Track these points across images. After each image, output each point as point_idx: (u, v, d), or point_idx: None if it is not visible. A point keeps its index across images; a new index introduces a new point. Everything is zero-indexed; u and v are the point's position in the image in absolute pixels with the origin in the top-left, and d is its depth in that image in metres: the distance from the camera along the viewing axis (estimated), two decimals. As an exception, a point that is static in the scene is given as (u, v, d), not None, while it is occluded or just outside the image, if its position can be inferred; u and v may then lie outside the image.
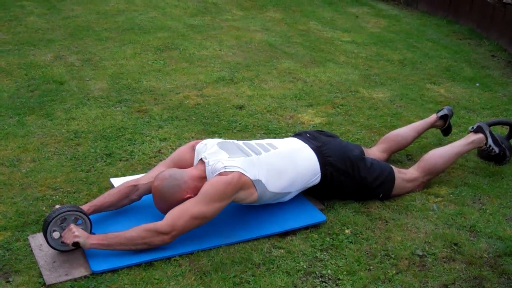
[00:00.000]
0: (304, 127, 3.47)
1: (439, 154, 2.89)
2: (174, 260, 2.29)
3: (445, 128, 3.26)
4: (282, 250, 2.38)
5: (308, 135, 2.78)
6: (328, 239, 2.46)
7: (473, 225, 2.58)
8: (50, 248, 2.30)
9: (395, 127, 3.40)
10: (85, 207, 2.40)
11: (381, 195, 2.73)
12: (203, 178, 2.42)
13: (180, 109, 3.64)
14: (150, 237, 2.26)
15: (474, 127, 3.03)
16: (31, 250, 2.32)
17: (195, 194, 2.36)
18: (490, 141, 3.00)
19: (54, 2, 6.11)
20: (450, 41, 5.44)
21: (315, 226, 2.53)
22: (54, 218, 2.25)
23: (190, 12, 6.00)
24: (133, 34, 5.14)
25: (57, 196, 2.69)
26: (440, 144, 3.24)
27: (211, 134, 3.32)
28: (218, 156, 2.45)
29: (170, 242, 2.30)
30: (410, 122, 3.58)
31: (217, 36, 5.19)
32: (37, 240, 2.37)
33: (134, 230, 2.27)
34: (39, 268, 2.22)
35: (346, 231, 2.52)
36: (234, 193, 2.36)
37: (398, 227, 2.55)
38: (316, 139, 2.74)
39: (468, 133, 3.07)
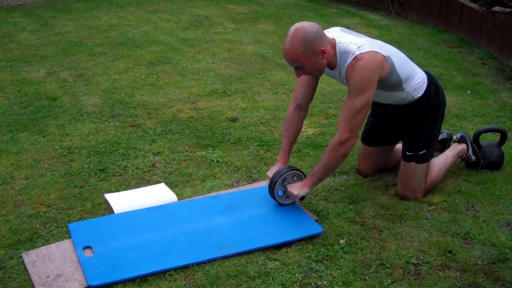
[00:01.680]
0: (298, 139, 3.47)
1: (438, 168, 2.94)
2: (169, 274, 2.28)
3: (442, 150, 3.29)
4: (277, 262, 2.38)
5: None
6: (323, 250, 2.46)
7: (467, 232, 2.59)
8: (44, 263, 2.30)
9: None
10: (281, 156, 2.76)
11: (424, 151, 2.80)
12: (334, 47, 2.48)
13: (173, 123, 3.65)
14: (340, 150, 2.52)
15: (458, 137, 3.16)
16: (25, 268, 2.31)
17: (328, 55, 2.45)
18: (470, 151, 3.14)
19: (47, 18, 6.13)
20: (441, 50, 5.47)
21: (310, 237, 2.52)
22: (276, 182, 2.63)
23: (182, 26, 6.02)
24: (125, 48, 5.16)
25: (51, 213, 2.68)
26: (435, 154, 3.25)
27: (205, 147, 3.32)
28: (347, 37, 2.52)
29: (357, 141, 2.55)
30: (402, 131, 3.60)
31: (209, 49, 5.22)
32: (31, 257, 2.36)
33: (324, 155, 2.58)
34: (33, 284, 2.21)
35: (341, 241, 2.52)
36: (378, 74, 2.47)
37: (393, 236, 2.56)
38: None
39: (453, 142, 3.19)
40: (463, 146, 3.13)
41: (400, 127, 2.91)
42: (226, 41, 5.50)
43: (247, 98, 4.08)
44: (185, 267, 2.32)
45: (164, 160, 3.19)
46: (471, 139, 3.17)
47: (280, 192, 2.68)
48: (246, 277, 2.28)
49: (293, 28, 2.44)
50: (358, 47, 2.44)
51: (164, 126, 3.60)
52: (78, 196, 2.84)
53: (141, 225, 2.56)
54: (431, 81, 2.79)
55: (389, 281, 2.28)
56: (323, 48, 2.43)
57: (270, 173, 2.71)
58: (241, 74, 4.53)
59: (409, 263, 2.38)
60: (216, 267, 2.32)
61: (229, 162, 3.18)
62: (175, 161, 3.18)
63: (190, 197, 2.85)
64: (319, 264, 2.37)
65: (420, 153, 2.80)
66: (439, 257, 2.42)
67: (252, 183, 2.98)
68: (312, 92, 2.79)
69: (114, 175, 3.03)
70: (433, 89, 2.77)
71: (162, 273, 2.28)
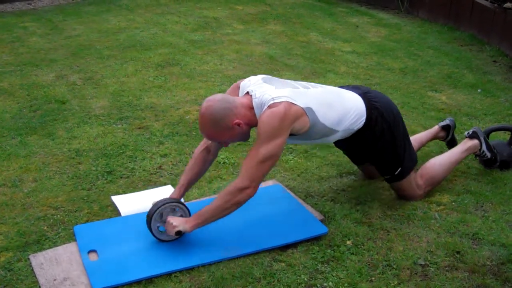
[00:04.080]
0: (304, 138, 3.47)
1: (439, 163, 2.88)
2: (175, 276, 2.28)
3: (449, 140, 3.24)
4: (283, 263, 2.37)
5: (350, 86, 2.77)
6: (329, 251, 2.45)
7: (476, 232, 2.56)
8: (51, 266, 2.31)
9: (396, 136, 3.39)
10: (175, 193, 2.54)
11: (399, 169, 2.71)
12: (251, 108, 2.38)
13: (180, 125, 3.65)
14: (235, 197, 2.32)
15: (470, 133, 3.05)
16: (32, 270, 2.32)
17: (244, 123, 2.36)
18: (484, 146, 3.03)
19: (57, 22, 6.16)
20: (451, 48, 5.43)
21: (316, 238, 2.51)
22: (152, 216, 2.43)
23: (191, 27, 6.03)
24: (134, 51, 5.17)
25: (59, 216, 2.70)
26: (441, 152, 3.22)
27: (212, 149, 3.32)
28: (265, 88, 2.40)
29: (255, 193, 2.35)
30: (412, 130, 3.57)
31: (217, 51, 5.21)
32: (38, 259, 2.38)
33: (218, 198, 2.36)
34: (39, 287, 2.22)
35: (348, 242, 2.50)
36: (290, 124, 2.33)
37: (400, 237, 2.54)
38: (359, 89, 2.73)
39: (464, 138, 3.08)
40: (475, 142, 3.01)
41: (362, 154, 2.84)
42: (234, 42, 5.49)
43: (254, 99, 4.07)
44: (191, 269, 2.32)
45: (171, 162, 3.19)
46: (484, 135, 3.08)
47: (162, 228, 2.47)
48: (252, 278, 2.27)
49: (201, 108, 2.36)
50: (272, 98, 2.32)
51: (171, 128, 3.60)
52: (85, 198, 2.85)
53: (147, 228, 2.56)
54: (371, 107, 2.61)
55: (396, 282, 2.26)
56: (236, 122, 2.33)
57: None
58: (249, 75, 4.45)
59: (417, 264, 2.36)
60: (222, 269, 2.32)
61: (235, 163, 3.17)
62: (182, 162, 3.18)
63: (196, 198, 2.85)
64: (325, 265, 2.36)
65: (396, 173, 2.73)
66: (447, 257, 2.40)
67: (258, 184, 2.97)
68: None
69: (121, 177, 3.04)
70: (375, 114, 2.61)
71: (168, 275, 2.29)
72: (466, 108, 3.98)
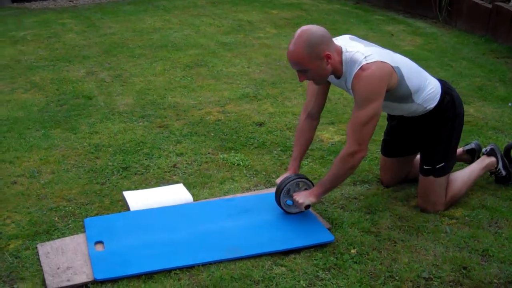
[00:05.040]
0: (322, 145, 3.45)
1: (461, 180, 2.84)
2: (175, 273, 2.30)
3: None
4: (284, 268, 2.36)
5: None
6: (332, 258, 2.42)
7: (486, 249, 2.49)
8: (57, 255, 2.36)
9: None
10: (292, 167, 2.70)
11: (442, 164, 2.71)
12: (340, 55, 2.41)
13: (200, 125, 3.68)
14: (348, 163, 2.45)
15: (488, 150, 3.02)
16: (38, 258, 2.37)
17: (331, 62, 2.37)
18: (500, 165, 2.99)
19: (94, 20, 6.30)
20: (486, 60, 5.30)
21: (321, 245, 2.49)
22: (280, 193, 2.61)
23: (223, 30, 6.07)
24: (165, 51, 5.24)
25: (70, 208, 2.75)
26: (462, 165, 3.15)
27: (228, 150, 3.34)
28: (353, 44, 2.45)
29: (367, 153, 2.49)
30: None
31: (247, 54, 5.23)
32: (45, 248, 2.43)
33: (333, 167, 2.51)
34: (43, 275, 2.27)
35: (352, 251, 2.47)
36: (386, 84, 2.40)
37: (407, 249, 2.49)
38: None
39: (482, 155, 3.03)
40: (492, 159, 2.98)
41: (416, 139, 2.83)
42: (264, 46, 5.51)
43: (276, 103, 4.07)
44: (191, 267, 2.33)
45: (186, 161, 3.22)
46: (502, 152, 3.05)
47: (289, 202, 2.65)
48: (250, 280, 2.27)
49: (299, 30, 2.38)
50: (365, 57, 2.36)
51: (190, 128, 3.63)
52: (98, 192, 2.90)
53: (153, 223, 2.59)
54: (446, 91, 2.68)
55: (396, 293, 2.22)
56: (328, 53, 2.35)
57: (279, 180, 2.67)
58: (275, 79, 4.53)
59: (420, 277, 2.31)
60: (222, 269, 2.32)
61: (249, 166, 3.17)
62: (197, 162, 3.20)
63: (206, 198, 2.86)
64: (326, 272, 2.34)
65: (437, 166, 2.71)
66: (452, 272, 2.34)
67: (269, 187, 2.96)
68: (322, 101, 2.72)
69: (135, 174, 3.08)
70: (448, 99, 2.67)
71: (168, 271, 2.30)
72: (493, 121, 3.88)
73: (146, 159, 3.23)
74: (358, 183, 3.05)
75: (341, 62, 2.42)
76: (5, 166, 3.14)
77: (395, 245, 2.52)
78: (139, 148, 3.35)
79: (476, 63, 5.21)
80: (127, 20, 6.35)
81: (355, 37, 2.58)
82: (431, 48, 5.68)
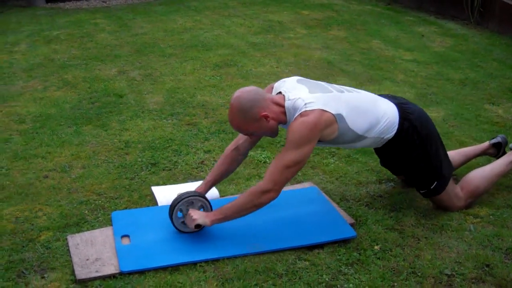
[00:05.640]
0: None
1: (480, 176, 2.82)
2: (200, 266, 2.35)
3: (499, 156, 3.14)
4: (307, 262, 2.39)
5: (389, 95, 2.77)
6: (355, 254, 2.44)
7: (510, 247, 2.48)
8: (86, 247, 2.44)
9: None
10: (201, 187, 2.61)
11: (435, 183, 2.67)
12: (281, 106, 2.42)
13: (228, 123, 3.72)
14: (257, 199, 2.38)
15: None
16: (68, 249, 2.45)
17: (272, 118, 2.40)
18: None
19: (126, 20, 6.42)
20: (517, 61, 5.24)
21: (344, 241, 2.52)
22: (183, 199, 2.50)
23: (254, 30, 6.13)
24: (195, 51, 5.32)
25: (100, 201, 2.83)
26: (489, 160, 3.13)
27: (255, 148, 3.35)
28: (298, 91, 2.44)
29: (277, 196, 2.40)
30: (461, 142, 3.50)
31: (276, 54, 5.27)
32: (75, 240, 2.51)
33: (241, 197, 2.43)
34: (72, 265, 2.35)
35: (375, 247, 2.49)
36: (319, 133, 2.37)
37: (430, 246, 2.50)
38: (396, 99, 2.72)
39: (509, 150, 3.00)
40: None
41: (397, 164, 2.81)
42: (294, 46, 5.54)
43: (304, 102, 4.10)
44: (216, 260, 2.38)
45: (214, 158, 3.27)
46: None
47: (180, 214, 2.54)
48: (274, 274, 2.31)
49: (231, 98, 2.40)
50: (305, 104, 2.34)
51: (218, 126, 3.69)
52: (127, 187, 2.97)
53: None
54: (404, 117, 2.59)
55: (418, 289, 2.23)
56: (263, 114, 2.36)
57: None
58: (303, 79, 4.56)
59: (442, 274, 2.32)
60: (246, 262, 2.37)
61: (275, 163, 3.21)
62: (224, 159, 3.25)
63: (232, 194, 2.91)
64: (349, 267, 2.36)
65: (432, 187, 2.69)
66: (475, 270, 2.34)
67: (294, 184, 3.00)
68: (256, 140, 2.68)
69: (164, 170, 3.15)
70: (407, 125, 2.58)
71: (193, 264, 2.36)
72: (520, 121, 3.84)
73: (174, 156, 3.30)
74: (383, 181, 3.06)
75: (283, 111, 2.42)
76: (38, 160, 3.24)
77: (418, 242, 2.53)
78: (167, 145, 3.42)
79: (507, 64, 5.15)
80: (159, 20, 6.46)
81: (303, 79, 2.57)
82: (462, 49, 5.64)
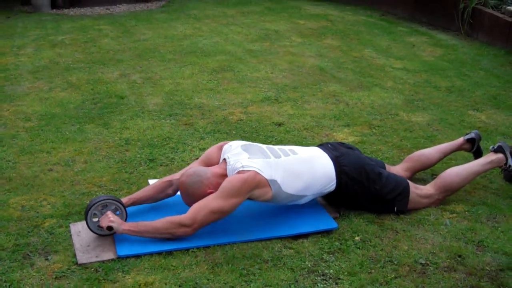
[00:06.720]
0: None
1: (455, 173, 3.00)
2: (192, 251, 2.54)
3: (475, 151, 3.33)
4: (292, 250, 2.58)
5: (329, 145, 2.97)
6: (337, 243, 2.63)
7: (482, 240, 2.67)
8: (87, 234, 2.62)
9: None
10: (124, 200, 2.73)
11: (396, 208, 2.87)
12: (224, 176, 2.66)
13: (223, 124, 3.94)
14: (173, 228, 2.55)
15: (495, 147, 3.10)
16: (70, 235, 2.64)
17: (216, 190, 2.61)
18: (510, 161, 3.07)
19: (129, 27, 6.64)
20: (503, 71, 5.44)
21: (327, 232, 2.71)
22: (96, 203, 2.60)
23: (251, 38, 6.34)
24: (194, 56, 5.53)
25: (101, 193, 3.02)
26: (467, 159, 3.32)
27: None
28: (239, 156, 2.68)
29: (192, 234, 2.56)
30: (443, 145, 3.68)
31: (271, 60, 5.49)
32: (76, 227, 2.70)
33: (161, 221, 2.56)
34: (74, 250, 2.53)
35: (356, 238, 2.68)
36: (249, 190, 2.58)
37: (407, 238, 2.69)
38: (336, 150, 2.92)
39: (489, 152, 3.14)
40: (500, 156, 3.06)
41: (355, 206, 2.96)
42: (289, 54, 5.75)
43: (296, 106, 4.31)
44: (207, 247, 2.57)
45: (208, 155, 3.47)
46: (511, 149, 3.10)
47: (96, 218, 2.61)
48: (260, 259, 2.50)
49: (179, 184, 2.68)
50: (242, 166, 2.59)
51: (214, 126, 3.89)
52: (126, 180, 3.17)
53: (174, 209, 2.82)
54: (341, 171, 2.80)
55: (393, 276, 2.42)
56: (209, 191, 2.60)
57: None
58: (296, 84, 4.77)
59: (417, 263, 2.51)
60: (235, 249, 2.56)
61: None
62: (218, 157, 3.45)
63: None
64: (330, 255, 2.55)
65: (395, 211, 2.87)
66: (448, 259, 2.53)
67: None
68: None
69: (161, 165, 3.35)
70: (345, 179, 2.80)
71: (186, 249, 2.54)
72: (503, 128, 4.04)
73: (171, 153, 3.50)
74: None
75: (225, 174, 2.66)
76: (43, 155, 3.44)
77: (396, 234, 2.72)
78: (165, 143, 3.62)
79: (493, 74, 5.36)
80: (160, 27, 6.68)
81: (248, 144, 2.80)
82: (451, 59, 5.85)
